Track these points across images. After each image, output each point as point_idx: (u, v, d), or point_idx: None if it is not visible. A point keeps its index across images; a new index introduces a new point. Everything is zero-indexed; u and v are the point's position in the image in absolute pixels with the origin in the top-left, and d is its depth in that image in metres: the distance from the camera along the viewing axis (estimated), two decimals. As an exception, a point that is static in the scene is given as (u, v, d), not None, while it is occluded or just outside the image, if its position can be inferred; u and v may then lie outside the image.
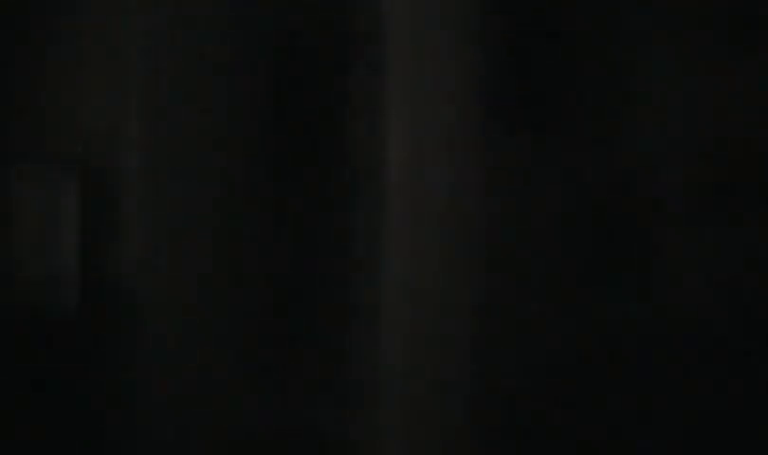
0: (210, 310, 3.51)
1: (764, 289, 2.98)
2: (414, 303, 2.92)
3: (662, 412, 3.02)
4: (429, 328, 2.90)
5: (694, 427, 3.05)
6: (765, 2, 2.94)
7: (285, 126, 4.07)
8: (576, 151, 3.03)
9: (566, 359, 3.07)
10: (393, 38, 2.93)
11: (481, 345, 2.88)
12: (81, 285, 3.04)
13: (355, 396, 3.89)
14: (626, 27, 2.99)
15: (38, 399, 2.96)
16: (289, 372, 4.16)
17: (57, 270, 2.99)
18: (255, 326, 3.86)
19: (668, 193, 3.03)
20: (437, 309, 2.90)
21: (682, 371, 3.05)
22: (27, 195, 2.99)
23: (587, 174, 3.05)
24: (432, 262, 2.88)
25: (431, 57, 2.83)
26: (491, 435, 2.92)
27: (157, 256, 3.24)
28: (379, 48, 2.96)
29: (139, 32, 3.15)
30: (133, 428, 3.17)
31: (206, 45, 3.38)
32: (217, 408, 3.60)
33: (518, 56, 2.88)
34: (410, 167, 2.90)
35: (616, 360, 3.13)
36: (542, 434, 3.08)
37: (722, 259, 2.99)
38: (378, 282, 3.03)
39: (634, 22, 2.99)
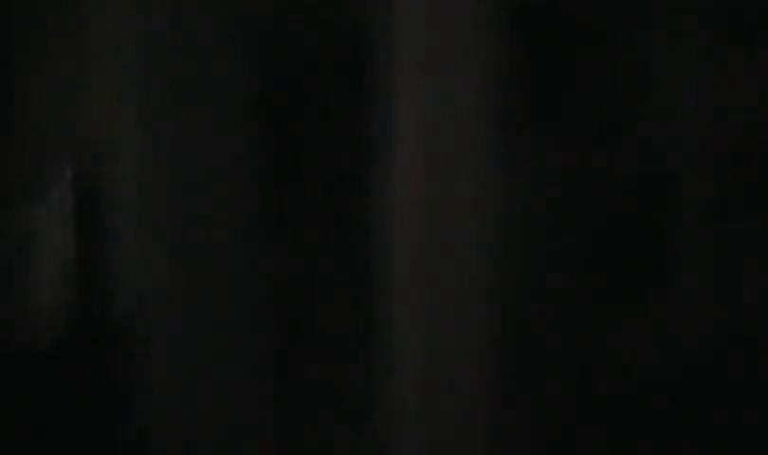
0: (214, 312, 3.50)
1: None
2: (429, 289, 2.91)
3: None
4: (443, 315, 2.90)
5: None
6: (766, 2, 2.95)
7: (297, 122, 4.06)
8: (586, 148, 3.04)
9: (571, 355, 3.08)
10: (404, 35, 2.92)
11: (493, 333, 2.88)
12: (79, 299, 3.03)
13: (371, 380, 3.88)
14: (636, 24, 3.00)
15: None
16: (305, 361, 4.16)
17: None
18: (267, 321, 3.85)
19: (685, 192, 3.03)
20: (451, 296, 2.89)
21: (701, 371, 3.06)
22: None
23: (598, 171, 3.06)
24: (444, 252, 2.87)
25: (443, 54, 2.83)
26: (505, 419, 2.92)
27: (157, 259, 3.23)
28: (392, 47, 2.96)
29: (138, 32, 3.13)
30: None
31: (216, 39, 3.37)
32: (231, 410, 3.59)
33: (528, 54, 2.88)
34: (422, 161, 2.88)
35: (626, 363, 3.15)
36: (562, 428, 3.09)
37: (736, 258, 3.00)
38: (392, 271, 3.01)
39: (646, 19, 2.99)
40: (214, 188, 3.47)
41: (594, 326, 3.08)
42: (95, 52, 3.14)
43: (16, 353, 2.90)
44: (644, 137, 3.05)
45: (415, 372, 2.95)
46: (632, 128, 3.06)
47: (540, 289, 2.98)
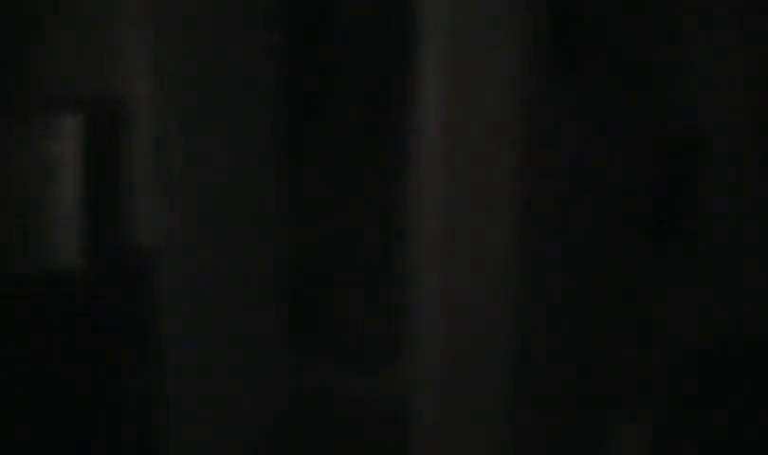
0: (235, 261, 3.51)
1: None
2: (451, 256, 2.89)
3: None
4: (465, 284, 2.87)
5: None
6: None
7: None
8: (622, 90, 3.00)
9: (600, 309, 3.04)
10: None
11: (517, 297, 2.85)
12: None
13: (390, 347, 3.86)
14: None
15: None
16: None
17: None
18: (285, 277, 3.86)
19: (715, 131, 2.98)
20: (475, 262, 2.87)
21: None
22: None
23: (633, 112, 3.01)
24: (470, 214, 2.84)
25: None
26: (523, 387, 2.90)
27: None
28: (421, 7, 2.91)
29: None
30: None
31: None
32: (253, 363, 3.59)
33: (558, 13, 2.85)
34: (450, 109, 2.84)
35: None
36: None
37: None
38: (418, 230, 2.98)
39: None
40: (233, 140, 3.47)
41: (621, 281, 3.05)
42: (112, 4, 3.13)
43: (29, 276, 2.93)
44: (673, 91, 3.01)
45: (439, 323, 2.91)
46: (662, 82, 3.03)
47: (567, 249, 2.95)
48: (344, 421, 3.75)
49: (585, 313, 3.00)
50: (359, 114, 4.01)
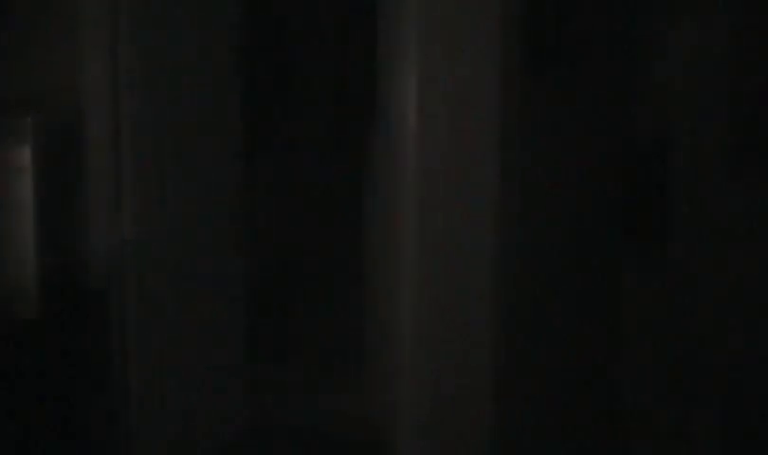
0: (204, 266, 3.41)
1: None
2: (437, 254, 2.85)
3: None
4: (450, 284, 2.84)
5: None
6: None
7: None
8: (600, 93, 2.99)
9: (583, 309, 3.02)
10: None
11: (503, 291, 2.83)
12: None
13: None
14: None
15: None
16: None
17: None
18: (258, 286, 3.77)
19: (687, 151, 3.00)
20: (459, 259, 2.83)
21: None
22: None
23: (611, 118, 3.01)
24: (455, 211, 2.81)
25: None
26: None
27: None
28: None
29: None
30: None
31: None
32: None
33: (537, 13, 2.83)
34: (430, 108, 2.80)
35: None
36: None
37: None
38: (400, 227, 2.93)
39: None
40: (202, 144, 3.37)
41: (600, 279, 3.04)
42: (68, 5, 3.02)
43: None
44: (647, 95, 3.02)
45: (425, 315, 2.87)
46: (636, 86, 3.03)
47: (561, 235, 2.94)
48: (304, 447, 3.69)
49: (563, 315, 2.99)
50: (326, 120, 3.97)
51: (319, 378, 4.04)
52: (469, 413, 2.84)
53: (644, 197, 3.01)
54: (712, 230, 2.94)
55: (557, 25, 2.86)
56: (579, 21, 2.91)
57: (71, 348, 2.91)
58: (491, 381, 2.81)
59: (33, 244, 2.78)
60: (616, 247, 3.04)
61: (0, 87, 3.05)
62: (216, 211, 3.48)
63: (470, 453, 2.84)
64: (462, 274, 2.80)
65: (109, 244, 3.02)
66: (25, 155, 2.75)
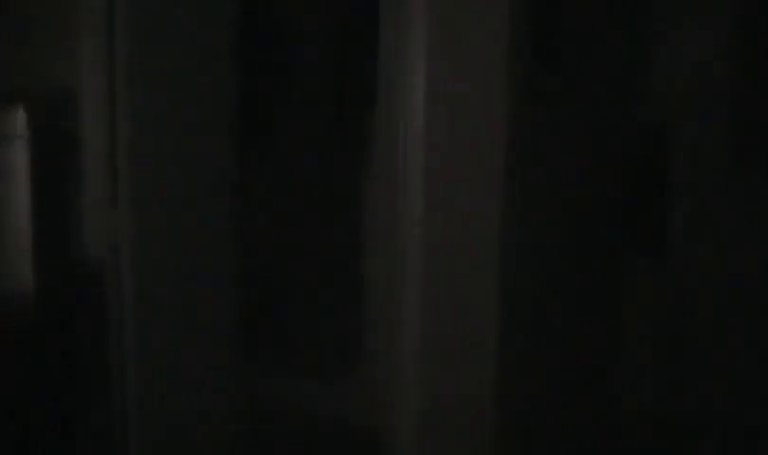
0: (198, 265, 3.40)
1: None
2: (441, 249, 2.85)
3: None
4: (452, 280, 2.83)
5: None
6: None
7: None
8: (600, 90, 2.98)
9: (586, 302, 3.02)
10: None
11: (505, 289, 2.82)
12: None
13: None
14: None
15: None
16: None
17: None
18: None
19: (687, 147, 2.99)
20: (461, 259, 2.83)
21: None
22: None
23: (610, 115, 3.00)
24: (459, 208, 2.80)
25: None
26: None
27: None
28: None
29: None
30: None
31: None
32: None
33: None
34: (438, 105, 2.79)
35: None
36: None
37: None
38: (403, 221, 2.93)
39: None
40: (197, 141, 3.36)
41: (601, 277, 3.03)
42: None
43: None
44: (647, 95, 3.01)
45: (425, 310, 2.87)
46: (635, 80, 3.02)
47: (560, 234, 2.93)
48: (302, 436, 3.69)
49: (563, 314, 2.98)
50: (324, 120, 3.96)
51: (319, 378, 4.03)
52: (470, 413, 2.83)
53: (644, 197, 3.00)
54: (712, 230, 2.94)
55: (556, 25, 2.85)
56: (579, 21, 2.90)
57: (70, 348, 2.91)
58: (492, 381, 2.81)
59: (32, 244, 2.78)
60: (616, 247, 3.03)
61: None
62: (215, 211, 3.48)
63: (471, 453, 2.84)
64: (462, 274, 2.79)
65: (107, 243, 3.01)
66: (22, 155, 2.75)
